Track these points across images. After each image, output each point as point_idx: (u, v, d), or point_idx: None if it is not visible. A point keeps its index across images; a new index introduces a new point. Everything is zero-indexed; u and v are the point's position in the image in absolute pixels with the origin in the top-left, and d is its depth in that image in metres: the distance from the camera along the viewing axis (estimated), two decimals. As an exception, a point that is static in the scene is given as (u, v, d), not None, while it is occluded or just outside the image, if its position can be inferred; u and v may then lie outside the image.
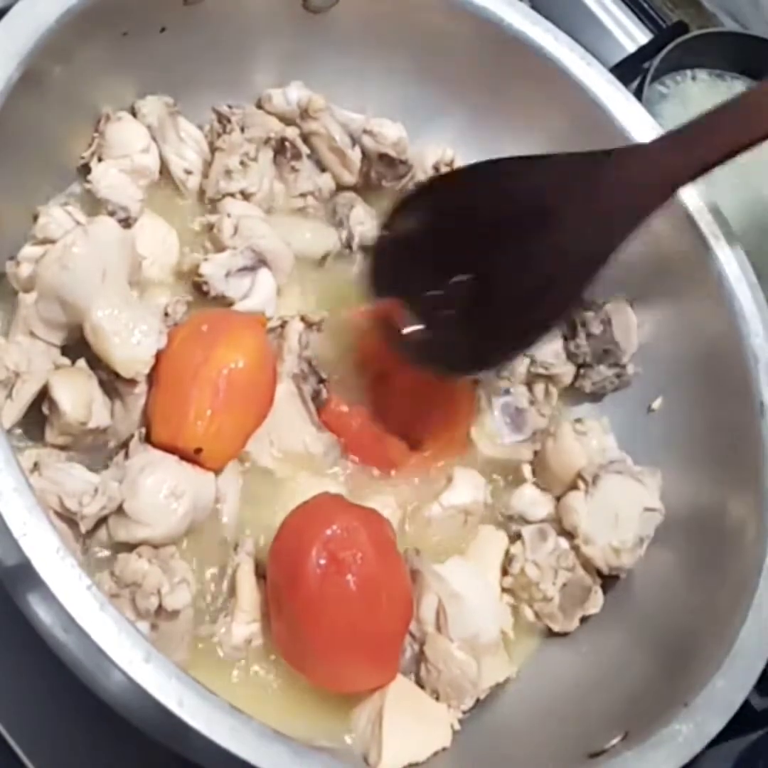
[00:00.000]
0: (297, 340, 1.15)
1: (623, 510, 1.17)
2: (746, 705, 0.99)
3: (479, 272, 1.15)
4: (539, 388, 1.28)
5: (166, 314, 1.10)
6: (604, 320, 1.28)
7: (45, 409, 1.00)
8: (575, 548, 1.17)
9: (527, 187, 1.15)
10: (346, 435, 1.16)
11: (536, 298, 1.13)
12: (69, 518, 0.95)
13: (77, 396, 0.99)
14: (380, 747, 0.98)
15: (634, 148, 1.17)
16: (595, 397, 1.32)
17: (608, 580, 1.18)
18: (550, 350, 1.28)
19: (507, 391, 1.24)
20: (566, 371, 1.29)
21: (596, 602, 1.17)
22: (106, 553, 0.99)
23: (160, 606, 0.93)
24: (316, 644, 0.99)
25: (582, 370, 1.30)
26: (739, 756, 1.14)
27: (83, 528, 0.95)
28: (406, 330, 1.15)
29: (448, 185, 1.24)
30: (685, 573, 1.15)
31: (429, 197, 1.21)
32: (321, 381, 1.15)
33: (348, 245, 1.29)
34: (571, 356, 1.30)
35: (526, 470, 1.23)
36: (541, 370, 1.27)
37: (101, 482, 0.96)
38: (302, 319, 1.16)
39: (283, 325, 1.16)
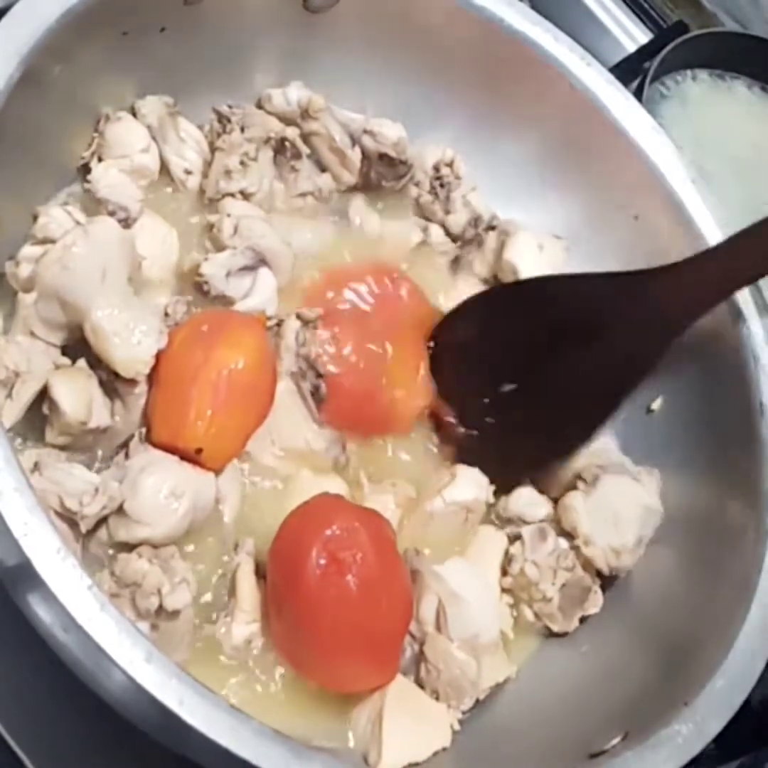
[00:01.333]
0: (294, 337, 1.14)
1: (623, 510, 1.17)
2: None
3: (526, 383, 1.21)
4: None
5: (166, 314, 1.10)
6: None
7: (45, 409, 1.00)
8: (575, 549, 1.17)
9: (574, 304, 1.20)
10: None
11: (580, 408, 1.19)
12: (69, 518, 0.94)
13: (77, 396, 0.99)
14: (380, 747, 0.98)
15: (671, 266, 1.18)
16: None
17: (607, 580, 1.18)
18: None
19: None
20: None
21: (596, 602, 1.17)
22: (105, 554, 0.98)
23: (160, 606, 0.93)
24: (316, 644, 1.00)
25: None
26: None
27: (83, 528, 0.95)
28: (457, 431, 1.22)
29: (497, 298, 1.28)
30: (684, 573, 1.15)
31: (481, 308, 1.27)
32: (319, 376, 1.15)
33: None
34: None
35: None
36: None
37: (101, 482, 0.96)
38: (298, 316, 1.16)
39: (280, 323, 1.16)
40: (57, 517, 0.94)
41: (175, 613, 0.94)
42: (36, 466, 0.95)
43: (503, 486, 1.20)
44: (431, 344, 1.25)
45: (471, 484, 1.17)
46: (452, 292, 1.31)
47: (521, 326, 1.22)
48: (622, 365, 1.17)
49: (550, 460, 1.21)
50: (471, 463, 1.19)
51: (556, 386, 1.19)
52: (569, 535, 1.18)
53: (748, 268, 1.11)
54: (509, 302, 1.26)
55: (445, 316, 1.27)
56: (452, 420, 1.22)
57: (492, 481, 1.18)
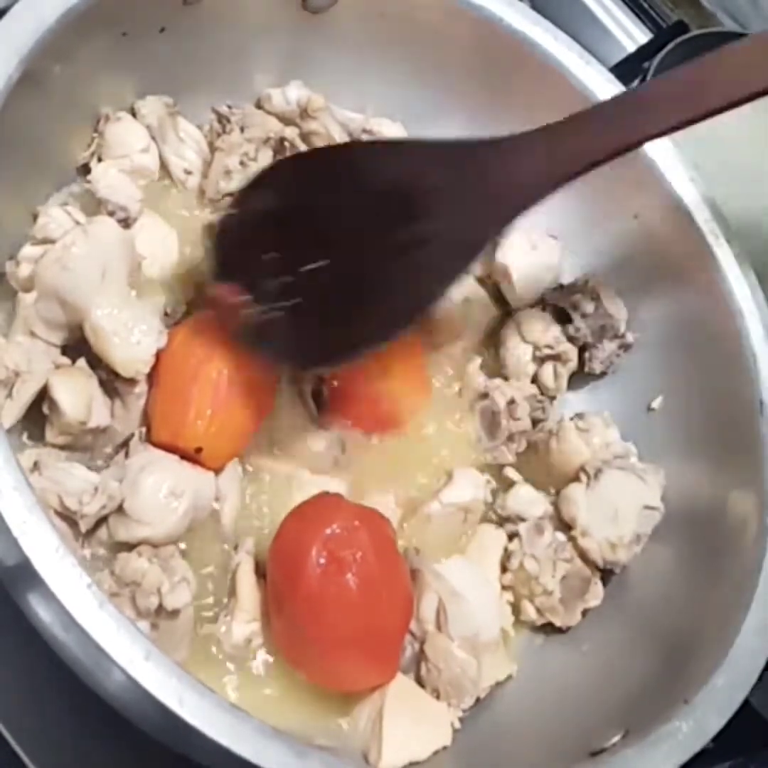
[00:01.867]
0: None
1: (623, 506, 1.17)
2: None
3: (335, 259, 1.06)
4: (547, 372, 1.28)
5: (166, 314, 1.10)
6: (593, 297, 1.28)
7: (45, 409, 1.00)
8: (572, 539, 1.17)
9: (394, 172, 1.09)
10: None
11: (399, 288, 1.07)
12: (69, 517, 0.95)
13: (77, 396, 1.00)
14: (380, 745, 0.98)
15: (502, 139, 1.11)
16: (597, 386, 1.33)
17: (606, 578, 1.18)
18: (550, 335, 1.27)
19: (485, 396, 1.24)
20: (570, 349, 1.28)
21: (597, 594, 1.17)
22: (106, 552, 0.99)
23: (160, 605, 0.93)
24: (316, 643, 0.99)
25: (587, 354, 1.30)
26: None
27: (83, 527, 0.95)
28: (244, 313, 1.05)
29: (306, 164, 1.15)
30: (685, 571, 1.15)
31: (286, 175, 1.14)
32: (321, 380, 1.14)
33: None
34: (571, 340, 1.29)
35: (512, 473, 1.23)
36: (546, 352, 1.27)
37: (101, 481, 0.96)
38: None
39: None
40: (57, 516, 0.94)
41: (175, 613, 0.94)
42: (36, 466, 0.96)
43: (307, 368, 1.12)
44: (229, 213, 1.12)
45: (468, 484, 1.16)
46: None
47: (334, 195, 1.09)
48: (446, 247, 1.05)
49: (362, 348, 1.08)
50: (264, 352, 1.07)
51: (372, 266, 1.07)
52: (567, 527, 1.19)
53: (586, 150, 1.05)
54: (322, 168, 1.12)
55: (247, 183, 1.13)
56: (244, 298, 1.05)
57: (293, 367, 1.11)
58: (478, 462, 1.23)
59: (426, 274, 1.07)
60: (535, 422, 1.25)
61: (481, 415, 1.23)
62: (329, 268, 1.06)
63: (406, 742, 1.00)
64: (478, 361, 1.27)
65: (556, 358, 1.27)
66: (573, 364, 1.29)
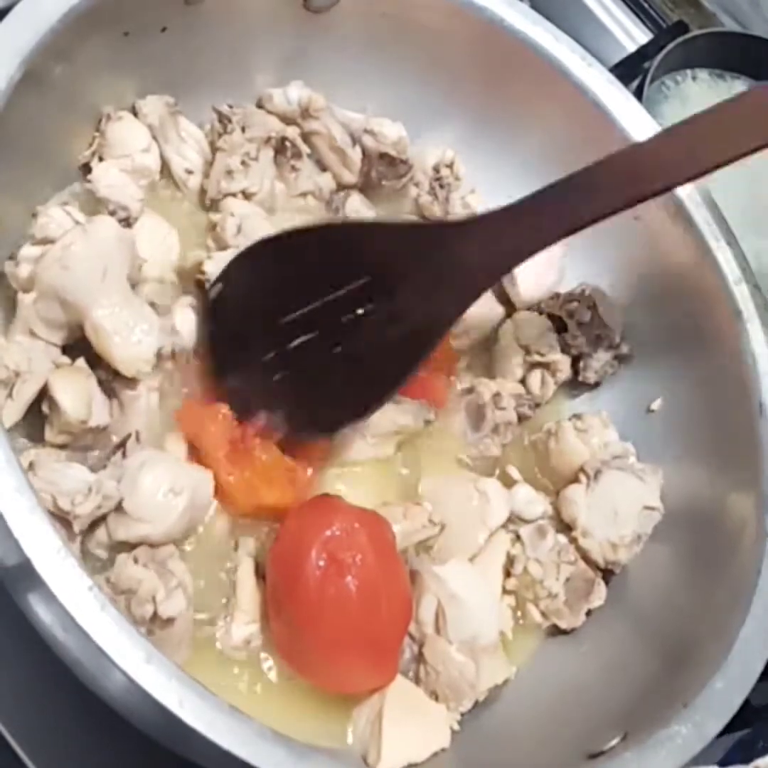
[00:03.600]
0: None
1: (623, 506, 1.17)
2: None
3: (316, 338, 1.11)
4: (535, 378, 1.27)
5: (158, 307, 1.10)
6: (589, 306, 1.28)
7: (45, 408, 1.00)
8: (573, 540, 1.18)
9: (367, 253, 1.11)
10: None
11: (376, 364, 1.11)
12: (63, 518, 0.94)
13: (77, 395, 0.99)
14: (380, 747, 0.99)
15: (470, 219, 1.16)
16: (597, 388, 1.33)
17: (607, 581, 1.18)
18: (544, 342, 1.27)
19: (470, 390, 1.24)
20: (561, 359, 1.28)
21: (600, 594, 1.17)
22: (103, 555, 0.98)
23: (155, 613, 0.93)
24: (316, 645, 1.00)
25: (581, 363, 1.30)
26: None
27: (77, 528, 0.95)
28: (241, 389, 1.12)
29: (285, 245, 1.15)
30: (684, 573, 1.15)
31: (266, 254, 1.15)
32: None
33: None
34: (566, 349, 1.29)
35: (513, 472, 1.23)
36: (537, 359, 1.26)
37: (95, 481, 0.96)
38: None
39: None
40: (52, 517, 0.94)
41: (170, 621, 0.94)
42: (31, 466, 0.95)
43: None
44: (212, 294, 1.15)
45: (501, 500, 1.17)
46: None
47: (309, 275, 1.11)
48: (418, 323, 1.08)
49: (344, 422, 1.13)
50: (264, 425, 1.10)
51: (349, 342, 1.10)
52: (568, 528, 1.19)
53: (552, 228, 1.05)
54: (297, 248, 1.14)
55: (227, 264, 1.15)
56: (235, 379, 1.12)
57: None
58: (461, 459, 1.23)
59: (399, 350, 1.10)
60: (521, 418, 1.25)
61: (466, 410, 1.23)
62: (309, 346, 1.11)
63: (405, 744, 1.00)
64: (464, 361, 1.29)
65: (545, 366, 1.27)
66: (563, 375, 1.28)
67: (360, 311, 1.10)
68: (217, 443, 1.07)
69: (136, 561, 0.96)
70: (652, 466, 1.20)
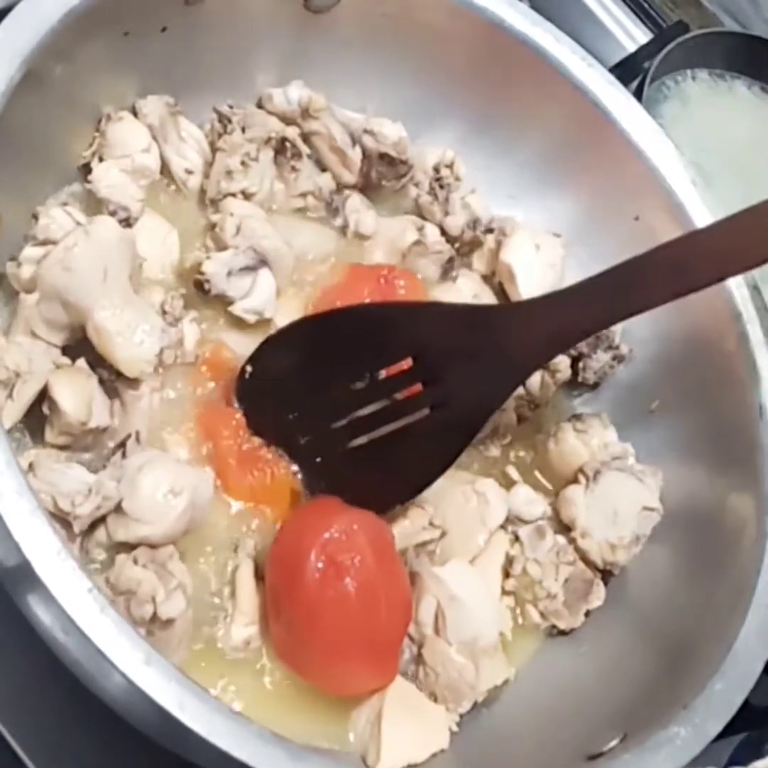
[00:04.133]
0: None
1: (622, 507, 1.18)
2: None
3: (353, 423, 1.11)
4: (534, 378, 1.27)
5: (164, 311, 1.10)
6: None
7: (45, 409, 1.00)
8: (572, 541, 1.18)
9: (410, 335, 1.10)
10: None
11: (420, 448, 1.10)
12: (63, 519, 0.94)
13: (78, 396, 0.99)
14: (379, 748, 0.99)
15: (517, 304, 1.17)
16: (596, 389, 1.33)
17: (606, 581, 1.18)
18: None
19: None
20: (561, 360, 1.28)
21: (599, 594, 1.17)
22: (103, 555, 0.98)
23: (154, 614, 0.93)
24: (315, 647, 1.00)
25: (581, 364, 1.30)
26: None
27: (77, 528, 0.94)
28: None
29: (323, 324, 1.15)
30: (684, 574, 1.15)
31: (303, 335, 1.15)
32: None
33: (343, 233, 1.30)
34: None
35: (513, 472, 1.23)
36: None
37: (95, 482, 0.96)
38: None
39: None
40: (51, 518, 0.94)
41: (169, 622, 0.94)
42: (30, 467, 0.95)
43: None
44: (247, 371, 1.13)
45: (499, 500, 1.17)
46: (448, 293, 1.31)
47: (351, 357, 1.11)
48: (462, 406, 1.08)
49: (390, 504, 1.11)
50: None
51: (393, 427, 1.10)
52: (567, 529, 1.19)
53: (599, 313, 1.06)
54: (333, 329, 1.13)
55: (260, 344, 1.13)
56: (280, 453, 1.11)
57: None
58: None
59: (443, 434, 1.10)
60: (520, 419, 1.26)
61: None
62: (352, 427, 1.11)
63: (404, 745, 1.00)
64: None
65: (545, 367, 1.27)
66: (563, 376, 1.29)
67: (404, 393, 1.10)
68: (230, 450, 1.08)
69: (135, 562, 0.95)
70: (651, 467, 1.20)
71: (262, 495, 1.09)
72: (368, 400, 1.11)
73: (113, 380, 1.04)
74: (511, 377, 1.10)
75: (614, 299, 1.05)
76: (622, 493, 1.18)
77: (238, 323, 1.17)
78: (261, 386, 1.12)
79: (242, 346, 1.15)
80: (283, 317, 1.18)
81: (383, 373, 1.11)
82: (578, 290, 1.08)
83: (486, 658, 1.07)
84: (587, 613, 1.16)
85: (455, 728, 1.05)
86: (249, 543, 1.06)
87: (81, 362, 1.03)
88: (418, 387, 1.09)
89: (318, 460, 1.12)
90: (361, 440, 1.11)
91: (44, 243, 1.03)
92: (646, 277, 1.03)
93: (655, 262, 1.04)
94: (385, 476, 1.11)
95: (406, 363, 1.10)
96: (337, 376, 1.11)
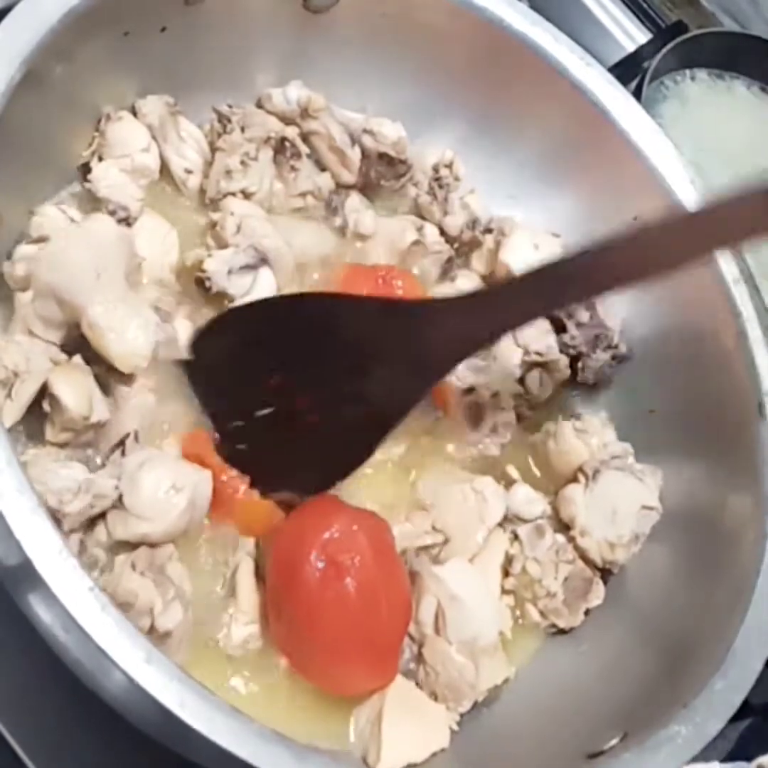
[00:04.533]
0: None
1: (621, 506, 1.18)
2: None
3: (281, 409, 1.11)
4: (533, 378, 1.27)
5: (157, 309, 1.09)
6: (588, 306, 1.28)
7: (46, 407, 1.00)
8: (571, 540, 1.18)
9: (344, 325, 1.10)
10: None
11: (342, 437, 1.11)
12: (54, 517, 0.94)
13: (78, 391, 0.99)
14: (379, 747, 0.99)
15: (440, 300, 1.16)
16: (596, 388, 1.33)
17: (606, 580, 1.19)
18: (542, 342, 1.27)
19: (469, 391, 1.24)
20: (560, 359, 1.28)
21: (599, 593, 1.17)
22: (103, 556, 0.98)
23: (152, 625, 0.93)
24: (315, 647, 1.00)
25: (580, 363, 1.30)
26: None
27: (66, 526, 0.94)
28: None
29: (259, 313, 1.15)
30: (684, 574, 1.15)
31: (240, 322, 1.15)
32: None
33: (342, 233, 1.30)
34: (565, 349, 1.29)
35: (513, 471, 1.23)
36: (535, 359, 1.26)
37: (85, 480, 0.95)
38: None
39: None
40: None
41: (166, 634, 0.94)
42: (24, 466, 0.95)
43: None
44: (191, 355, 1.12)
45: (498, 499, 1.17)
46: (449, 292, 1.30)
47: (280, 344, 1.11)
48: (390, 393, 1.09)
49: (303, 493, 1.10)
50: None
51: (326, 409, 1.10)
52: (566, 528, 1.19)
53: (519, 311, 1.05)
54: (273, 317, 1.14)
55: (203, 326, 1.13)
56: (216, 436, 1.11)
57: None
58: (460, 459, 1.23)
59: (373, 419, 1.10)
60: (519, 418, 1.26)
61: (465, 410, 1.23)
62: (277, 416, 1.11)
63: (404, 744, 1.00)
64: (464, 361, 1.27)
65: (544, 366, 1.27)
66: (561, 375, 1.29)
67: (330, 385, 1.10)
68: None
69: (133, 567, 0.95)
70: (650, 466, 1.20)
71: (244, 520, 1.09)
72: (292, 391, 1.10)
73: (107, 376, 1.04)
74: (432, 374, 1.11)
75: (538, 298, 1.04)
76: (621, 492, 1.18)
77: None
78: (198, 370, 1.12)
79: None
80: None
81: (309, 366, 1.10)
82: (502, 289, 1.11)
83: (486, 657, 1.07)
84: (587, 612, 1.17)
85: (455, 727, 1.05)
86: (248, 542, 1.06)
87: (77, 358, 1.03)
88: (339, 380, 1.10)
89: (240, 447, 1.11)
90: (283, 428, 1.11)
91: (38, 241, 1.03)
92: (569, 276, 1.02)
93: (581, 261, 1.01)
94: (304, 465, 1.11)
95: (331, 356, 1.10)
96: (265, 364, 1.10)
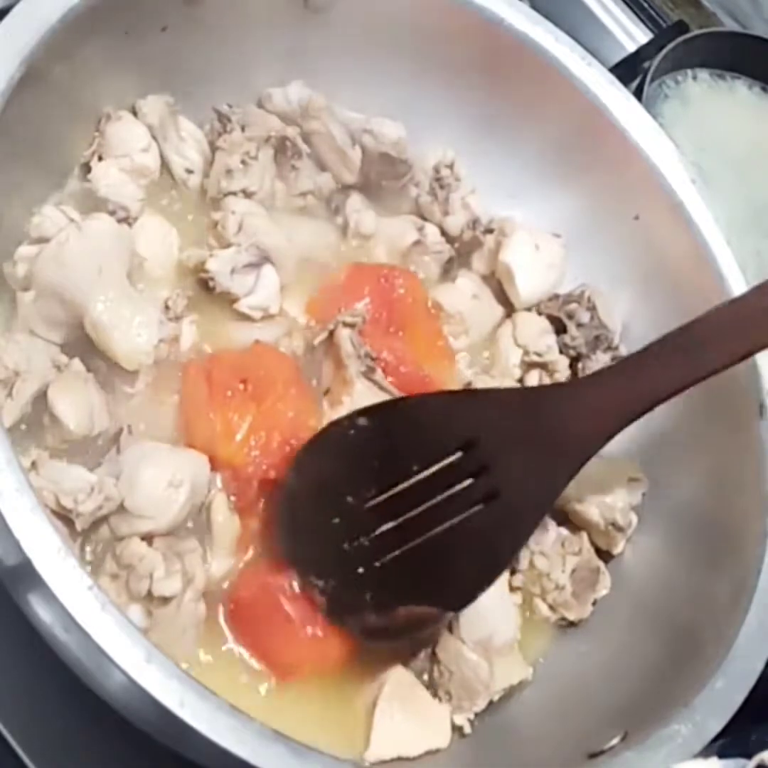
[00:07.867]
0: (351, 343, 1.14)
1: (608, 478, 1.18)
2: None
3: (404, 521, 1.02)
4: (533, 378, 1.27)
5: (167, 307, 1.10)
6: (589, 307, 1.28)
7: (46, 421, 1.00)
8: (572, 514, 1.18)
9: (458, 425, 1.03)
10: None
11: (473, 546, 1.02)
12: (65, 517, 0.94)
13: (78, 408, 0.99)
14: (370, 734, 0.99)
15: (572, 384, 1.14)
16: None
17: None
18: (542, 343, 1.27)
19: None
20: (560, 360, 1.28)
21: (606, 583, 1.18)
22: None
23: (150, 590, 0.94)
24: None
25: (580, 364, 1.30)
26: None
27: (79, 526, 0.94)
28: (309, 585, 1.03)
29: (364, 423, 1.07)
30: (684, 573, 1.15)
31: (342, 435, 1.07)
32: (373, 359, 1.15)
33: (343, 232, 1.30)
34: (565, 350, 1.29)
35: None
36: (534, 359, 1.27)
37: (97, 481, 0.96)
38: (344, 324, 1.15)
39: (331, 335, 1.16)
40: (54, 515, 0.94)
41: (164, 600, 0.94)
42: (33, 465, 0.95)
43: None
44: (281, 483, 1.05)
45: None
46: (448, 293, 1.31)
47: (393, 455, 1.03)
48: (517, 497, 1.01)
49: (429, 622, 1.03)
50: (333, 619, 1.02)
51: (443, 524, 1.01)
52: (566, 519, 1.20)
53: (661, 387, 1.01)
54: (382, 426, 1.06)
55: (303, 447, 1.06)
56: (313, 578, 1.02)
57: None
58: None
59: (498, 529, 1.02)
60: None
61: None
62: (396, 532, 1.02)
63: (396, 735, 1.00)
64: (464, 360, 1.28)
65: (543, 366, 1.27)
66: (561, 375, 1.28)
67: (453, 490, 1.01)
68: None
69: (149, 542, 0.96)
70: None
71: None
72: (413, 503, 1.02)
73: (110, 373, 1.05)
74: (572, 460, 1.02)
75: (673, 368, 1.01)
76: (606, 469, 1.18)
77: (243, 320, 1.18)
78: (296, 497, 1.05)
79: (247, 343, 1.15)
80: (283, 316, 1.19)
81: (427, 472, 1.02)
82: (634, 362, 1.04)
83: (501, 656, 1.07)
84: (594, 603, 1.17)
85: (468, 728, 1.05)
86: (218, 476, 1.05)
87: (77, 363, 1.03)
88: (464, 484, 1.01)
89: (360, 570, 1.02)
90: (405, 546, 1.01)
91: (38, 241, 1.03)
92: (704, 341, 1.01)
93: (710, 326, 1.02)
94: (431, 586, 1.02)
95: (452, 458, 1.02)
96: (377, 478, 1.03)
